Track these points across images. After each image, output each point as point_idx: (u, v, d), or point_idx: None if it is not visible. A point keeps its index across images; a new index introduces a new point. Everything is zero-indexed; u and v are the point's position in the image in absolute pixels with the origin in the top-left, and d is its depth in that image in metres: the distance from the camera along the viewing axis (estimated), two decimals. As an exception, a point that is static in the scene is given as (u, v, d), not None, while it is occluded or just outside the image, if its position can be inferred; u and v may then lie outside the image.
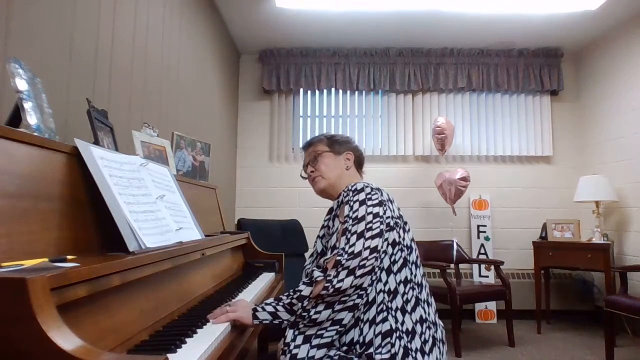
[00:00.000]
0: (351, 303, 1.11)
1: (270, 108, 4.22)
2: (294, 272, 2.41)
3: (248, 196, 4.14)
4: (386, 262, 1.19)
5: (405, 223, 1.28)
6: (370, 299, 1.15)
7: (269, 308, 1.17)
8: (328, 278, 1.10)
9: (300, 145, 4.17)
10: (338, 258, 1.11)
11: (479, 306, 3.90)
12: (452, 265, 3.60)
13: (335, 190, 1.41)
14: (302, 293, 1.13)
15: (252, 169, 4.18)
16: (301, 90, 4.18)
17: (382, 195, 1.25)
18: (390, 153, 4.16)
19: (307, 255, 3.69)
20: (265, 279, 1.88)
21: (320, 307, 1.10)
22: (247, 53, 4.25)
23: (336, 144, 1.46)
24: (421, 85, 4.13)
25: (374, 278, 1.15)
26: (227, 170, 3.82)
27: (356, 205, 1.19)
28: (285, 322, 1.15)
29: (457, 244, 3.68)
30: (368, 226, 1.15)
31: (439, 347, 1.19)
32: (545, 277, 3.81)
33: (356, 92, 4.20)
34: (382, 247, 1.16)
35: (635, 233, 3.45)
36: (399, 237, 1.23)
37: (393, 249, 1.20)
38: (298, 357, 1.10)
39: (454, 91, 4.21)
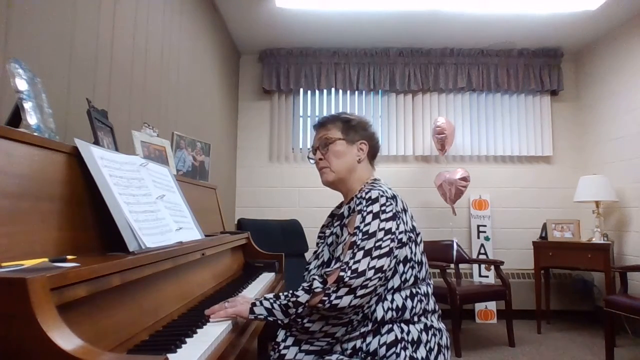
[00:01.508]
0: (347, 319, 1.09)
1: (270, 108, 4.22)
2: (294, 272, 2.41)
3: (248, 196, 4.14)
4: (397, 282, 1.15)
5: (418, 234, 1.23)
6: (379, 319, 1.12)
7: (266, 304, 1.15)
8: (327, 292, 1.06)
9: (300, 146, 4.17)
10: (341, 274, 1.06)
11: (479, 306, 3.90)
12: (452, 265, 3.60)
13: (343, 184, 1.32)
14: (299, 299, 1.10)
15: (252, 169, 4.18)
16: (301, 90, 4.18)
17: (397, 205, 1.18)
18: (390, 153, 4.16)
19: (307, 255, 3.68)
20: (265, 279, 1.88)
21: (314, 317, 1.08)
22: (247, 53, 4.25)
23: (351, 130, 1.32)
24: (421, 85, 4.13)
25: (374, 297, 1.12)
26: (227, 170, 3.81)
27: (369, 218, 1.12)
28: (279, 321, 1.14)
29: (457, 244, 3.68)
30: (377, 244, 1.09)
31: (443, 354, 1.18)
32: (545, 277, 3.81)
33: (356, 92, 4.20)
34: (389, 266, 1.10)
35: (635, 233, 3.45)
36: (411, 252, 1.18)
37: (404, 266, 1.16)
38: (286, 358, 1.09)
39: (454, 91, 4.20)
